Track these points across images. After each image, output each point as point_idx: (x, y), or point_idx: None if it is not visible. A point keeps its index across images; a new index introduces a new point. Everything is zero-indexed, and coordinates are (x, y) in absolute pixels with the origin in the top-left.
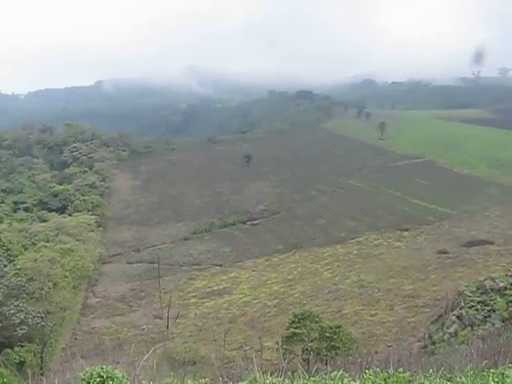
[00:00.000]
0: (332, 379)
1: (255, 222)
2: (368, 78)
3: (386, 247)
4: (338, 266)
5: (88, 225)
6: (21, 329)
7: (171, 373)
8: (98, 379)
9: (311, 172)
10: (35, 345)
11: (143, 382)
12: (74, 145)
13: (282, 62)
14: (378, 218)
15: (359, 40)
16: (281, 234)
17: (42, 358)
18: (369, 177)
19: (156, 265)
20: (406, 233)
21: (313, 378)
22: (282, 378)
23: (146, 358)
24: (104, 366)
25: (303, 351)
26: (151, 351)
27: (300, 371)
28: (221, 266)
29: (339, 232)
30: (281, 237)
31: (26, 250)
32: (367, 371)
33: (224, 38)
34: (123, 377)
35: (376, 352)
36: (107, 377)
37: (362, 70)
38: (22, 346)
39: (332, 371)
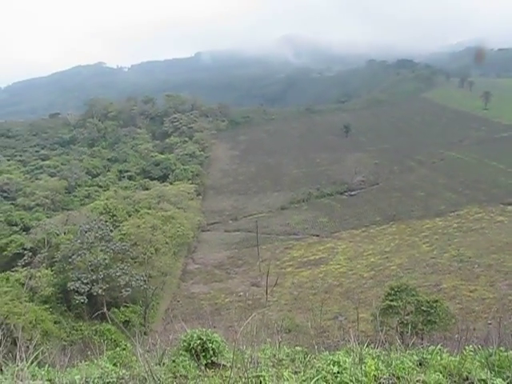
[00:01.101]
0: (429, 353)
1: (353, 192)
2: (472, 46)
3: (488, 221)
4: (436, 239)
5: (188, 193)
6: (126, 290)
7: (268, 339)
8: (198, 341)
9: (410, 143)
10: (139, 306)
11: (242, 346)
12: (175, 115)
13: (379, 30)
14: (479, 190)
15: (462, 3)
16: (378, 206)
17: (144, 318)
18: (471, 148)
19: (253, 233)
20: (509, 207)
21: (410, 351)
22: (379, 350)
23: (246, 323)
24: (204, 329)
25: (398, 324)
26: (251, 317)
27: (397, 344)
28: (317, 236)
29: (438, 205)
30: (378, 208)
31: (129, 216)
32: (466, 347)
33: (319, 8)
34: (222, 341)
35: (474, 329)
36: (207, 339)
37: (466, 36)
38: (127, 307)
39: (429, 346)
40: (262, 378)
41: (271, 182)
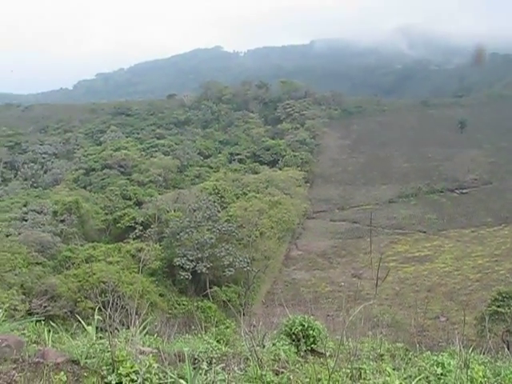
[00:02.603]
0: None
1: (464, 190)
2: None
3: None
4: None
5: (296, 180)
6: (229, 270)
7: (369, 332)
8: (300, 327)
9: None
10: (240, 287)
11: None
12: (288, 102)
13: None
14: None
15: None
16: (491, 206)
17: (245, 299)
18: None
19: (358, 225)
20: None
21: None
22: (484, 356)
23: (353, 315)
24: (306, 316)
25: (504, 332)
26: (358, 309)
27: (506, 352)
28: (424, 232)
29: None
30: (491, 209)
31: (237, 198)
32: None
33: None
34: (323, 329)
35: None
36: (308, 326)
37: None
38: (229, 287)
39: None
40: (362, 371)
41: (380, 174)
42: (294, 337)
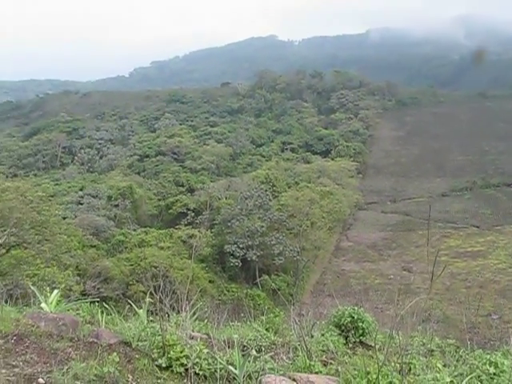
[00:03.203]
0: None
1: None
2: None
3: None
4: None
5: (348, 170)
6: (279, 259)
7: (419, 327)
8: (349, 319)
9: None
10: (289, 276)
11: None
12: (342, 91)
13: None
14: None
15: None
16: None
17: (294, 289)
18: None
19: (410, 217)
20: None
21: None
22: None
23: (406, 309)
24: (355, 308)
25: None
26: (411, 304)
27: None
28: (478, 227)
29: None
30: None
31: (289, 187)
32: None
33: None
34: (373, 321)
35: None
36: (358, 318)
37: None
38: (278, 275)
39: None
40: (411, 366)
41: (434, 167)
42: (343, 328)
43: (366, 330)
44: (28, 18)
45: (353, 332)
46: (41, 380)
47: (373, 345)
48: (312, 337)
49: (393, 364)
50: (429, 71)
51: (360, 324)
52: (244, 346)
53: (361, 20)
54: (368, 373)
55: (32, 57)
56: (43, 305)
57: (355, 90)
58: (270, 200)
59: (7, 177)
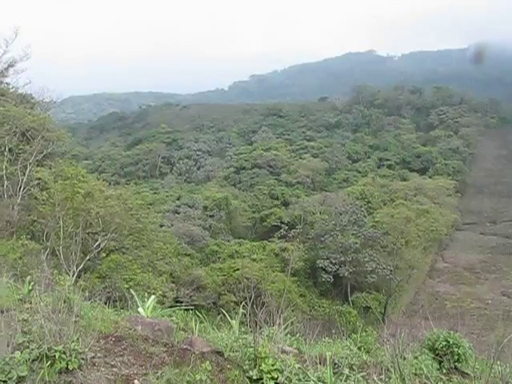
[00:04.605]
0: None
1: None
2: None
3: None
4: None
5: (446, 189)
6: (371, 277)
7: None
8: (444, 343)
9: None
10: (381, 295)
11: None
12: (442, 108)
13: None
14: None
15: None
16: None
17: (385, 307)
18: None
19: (511, 240)
20: None
21: None
22: None
23: (509, 337)
24: (451, 332)
25: None
26: None
27: None
28: None
29: None
30: None
31: (384, 204)
32: None
33: None
34: (470, 348)
35: None
36: (453, 343)
37: None
38: (370, 293)
39: None
40: None
41: None
42: (437, 352)
43: (462, 357)
44: (133, 38)
45: (447, 357)
46: (137, 382)
47: (469, 373)
48: (404, 359)
49: None
50: None
51: (456, 349)
52: (335, 364)
53: (461, 33)
54: None
55: (137, 71)
56: (140, 309)
57: (456, 107)
58: (364, 216)
59: (109, 184)
